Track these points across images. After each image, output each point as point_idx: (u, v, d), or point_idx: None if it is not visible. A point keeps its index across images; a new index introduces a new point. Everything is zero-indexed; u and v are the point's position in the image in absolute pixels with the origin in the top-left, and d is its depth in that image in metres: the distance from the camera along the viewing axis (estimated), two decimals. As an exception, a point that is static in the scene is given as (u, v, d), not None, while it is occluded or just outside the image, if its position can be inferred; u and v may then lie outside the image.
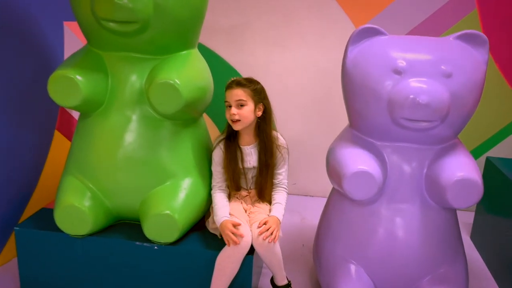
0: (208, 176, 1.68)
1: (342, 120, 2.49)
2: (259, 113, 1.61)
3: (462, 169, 1.42)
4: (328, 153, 1.67)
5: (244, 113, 1.56)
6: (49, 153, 2.05)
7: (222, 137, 1.66)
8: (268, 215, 1.59)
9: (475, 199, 1.40)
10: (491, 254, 2.01)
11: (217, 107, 1.94)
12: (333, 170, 1.56)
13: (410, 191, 1.52)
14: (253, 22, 2.49)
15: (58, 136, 2.12)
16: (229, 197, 1.68)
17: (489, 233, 2.05)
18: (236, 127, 1.57)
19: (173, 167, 1.58)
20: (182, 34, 1.55)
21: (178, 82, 1.42)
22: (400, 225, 1.52)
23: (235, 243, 1.47)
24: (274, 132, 1.65)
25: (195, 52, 1.67)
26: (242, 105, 1.55)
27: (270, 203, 1.69)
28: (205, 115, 2.09)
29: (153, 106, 1.46)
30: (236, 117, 1.55)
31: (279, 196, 1.66)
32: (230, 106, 1.57)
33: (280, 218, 1.59)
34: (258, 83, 1.62)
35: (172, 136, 1.58)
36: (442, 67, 1.41)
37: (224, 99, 1.60)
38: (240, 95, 1.55)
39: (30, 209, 1.95)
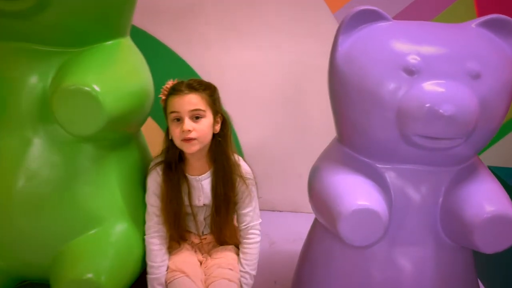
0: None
1: (316, 122, 2.16)
2: (217, 128, 1.19)
3: (492, 201, 1.07)
4: (312, 177, 1.27)
5: (203, 129, 1.14)
6: None
7: (160, 159, 1.21)
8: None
9: (509, 243, 1.06)
10: None
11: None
12: (322, 204, 1.17)
13: (421, 227, 1.16)
14: (206, 4, 2.06)
15: None
16: (171, 248, 1.26)
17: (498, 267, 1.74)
18: (190, 148, 1.14)
19: (98, 209, 1.13)
20: (105, 15, 1.09)
21: (97, 89, 0.97)
22: (407, 274, 1.17)
23: None
24: (234, 156, 1.23)
25: (126, 43, 1.21)
26: (199, 117, 1.13)
27: (237, 245, 1.28)
28: (149, 120, 1.62)
29: (60, 124, 0.99)
30: (193, 135, 1.12)
31: (247, 255, 1.26)
32: (179, 119, 1.13)
33: None
34: (214, 87, 1.20)
35: (94, 164, 1.12)
36: (468, 65, 1.04)
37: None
38: (196, 103, 1.13)
39: None
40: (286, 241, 1.95)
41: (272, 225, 2.16)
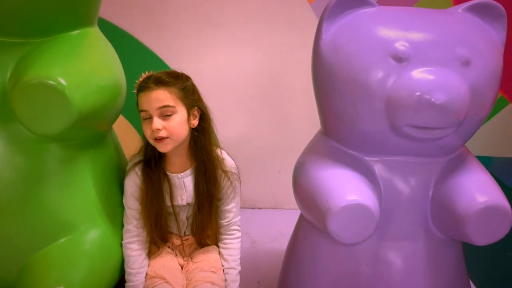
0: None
1: (295, 115, 2.09)
2: (195, 123, 1.11)
3: (484, 192, 1.04)
4: (297, 172, 1.21)
5: (174, 126, 1.05)
6: None
7: (138, 159, 1.13)
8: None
9: (503, 232, 1.03)
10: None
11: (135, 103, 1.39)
12: (309, 200, 1.11)
13: (411, 221, 1.13)
14: (178, -6, 1.96)
15: None
16: (150, 252, 1.17)
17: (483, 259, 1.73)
18: (163, 148, 1.06)
19: (68, 215, 1.03)
20: (71, 4, 0.98)
21: (64, 82, 0.87)
22: (398, 269, 1.13)
23: None
24: (217, 150, 1.16)
25: (94, 32, 1.10)
26: (169, 114, 1.04)
27: (218, 245, 1.21)
28: (120, 117, 1.50)
29: (22, 122, 0.89)
30: (163, 133, 1.03)
31: (230, 251, 1.19)
32: (150, 118, 1.05)
33: None
34: (187, 78, 1.11)
35: (63, 166, 1.02)
36: (458, 51, 1.00)
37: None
38: (164, 99, 1.04)
39: None
40: (267, 239, 1.89)
41: (252, 224, 2.09)
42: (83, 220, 1.04)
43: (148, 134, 1.06)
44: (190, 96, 1.09)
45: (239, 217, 1.23)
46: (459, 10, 1.10)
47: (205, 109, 1.14)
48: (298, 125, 2.08)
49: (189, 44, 2.02)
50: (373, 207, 0.99)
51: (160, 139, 1.04)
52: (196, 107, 1.11)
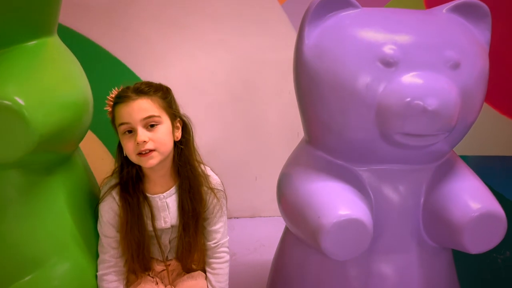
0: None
1: (269, 119, 2.02)
2: (178, 135, 1.03)
3: (477, 199, 1.01)
4: (282, 186, 1.14)
5: (161, 137, 0.97)
6: None
7: (114, 182, 1.02)
8: None
9: (499, 239, 1.00)
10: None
11: (103, 117, 1.27)
12: (297, 216, 1.04)
13: (403, 231, 1.08)
14: (141, -3, 1.84)
15: None
16: (128, 282, 1.07)
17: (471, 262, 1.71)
18: (149, 162, 0.97)
19: (33, 249, 0.91)
20: (24, 8, 0.86)
21: (21, 102, 0.76)
22: (392, 283, 1.08)
23: None
24: (201, 166, 1.07)
25: (54, 42, 0.99)
26: (154, 125, 0.96)
27: (203, 270, 1.12)
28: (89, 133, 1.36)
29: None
30: (150, 146, 0.94)
31: (219, 277, 1.11)
32: (131, 131, 0.96)
33: None
34: (167, 88, 1.04)
35: (24, 194, 0.90)
36: (447, 53, 0.96)
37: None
38: (149, 109, 0.96)
39: None
40: (247, 251, 1.81)
41: (230, 235, 1.92)
42: (50, 253, 0.93)
43: (130, 149, 0.96)
44: (173, 106, 1.02)
45: (227, 238, 1.15)
46: (443, 11, 1.06)
47: (186, 120, 1.06)
48: (272, 130, 2.02)
49: (156, 49, 1.91)
50: (366, 220, 0.94)
51: (146, 153, 0.95)
52: (178, 118, 1.04)
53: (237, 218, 2.18)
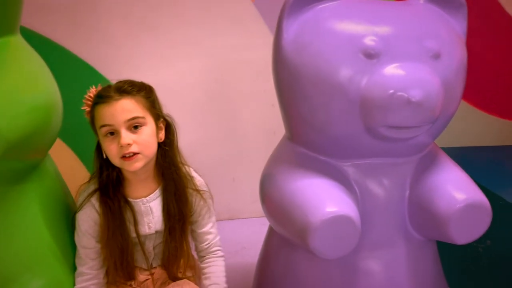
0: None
1: (245, 119, 1.98)
2: (162, 136, 0.99)
3: (462, 190, 1.01)
4: (266, 185, 1.10)
5: (145, 139, 0.93)
6: None
7: (93, 188, 0.97)
8: None
9: (484, 228, 1.00)
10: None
11: (71, 122, 1.23)
12: (283, 216, 1.01)
13: (390, 226, 1.07)
14: (107, -5, 1.77)
15: None
16: None
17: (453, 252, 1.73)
18: (134, 165, 0.92)
19: (2, 267, 0.83)
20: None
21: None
22: (380, 278, 1.06)
23: None
24: (185, 167, 1.03)
25: (17, 41, 0.91)
26: (138, 126, 0.91)
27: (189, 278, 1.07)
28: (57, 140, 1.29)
29: None
30: (134, 148, 0.90)
31: (215, 268, 1.07)
32: (113, 133, 0.91)
33: None
34: (150, 87, 1.00)
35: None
36: (427, 44, 0.95)
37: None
38: (133, 109, 0.91)
39: None
40: (228, 254, 1.74)
41: None
42: (20, 270, 0.86)
43: (113, 151, 0.91)
44: (157, 105, 0.98)
45: (219, 237, 1.12)
46: (421, 1, 1.06)
47: (170, 120, 1.02)
48: (249, 130, 1.98)
49: (125, 50, 1.84)
50: (354, 216, 0.92)
51: (130, 156, 0.90)
52: (162, 119, 1.00)
53: (216, 221, 2.13)
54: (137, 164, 0.92)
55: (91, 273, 0.97)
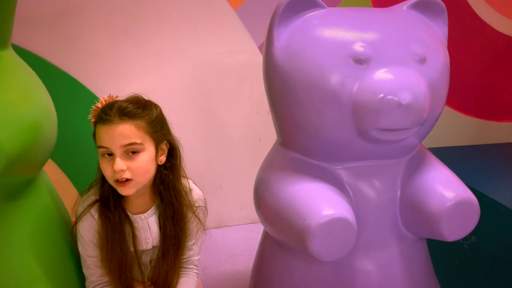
0: (75, 278, 0.95)
1: (231, 126, 1.98)
2: (163, 159, 0.97)
3: (451, 188, 1.04)
4: (261, 191, 1.11)
5: (140, 166, 0.91)
6: None
7: (93, 199, 0.96)
8: None
9: (473, 225, 1.04)
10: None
11: (61, 145, 1.20)
12: (280, 220, 1.02)
13: (383, 227, 1.09)
14: (89, 6, 1.75)
15: None
16: None
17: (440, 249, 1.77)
18: (126, 191, 0.91)
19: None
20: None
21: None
22: (375, 279, 1.09)
23: None
24: (184, 180, 1.03)
25: (9, 55, 0.90)
26: (135, 152, 0.90)
27: None
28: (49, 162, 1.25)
29: None
30: (127, 175, 0.89)
31: (187, 279, 1.05)
32: (111, 154, 0.89)
33: None
34: (155, 106, 0.99)
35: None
36: (413, 48, 0.99)
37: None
38: (131, 136, 0.89)
39: None
40: (219, 262, 1.76)
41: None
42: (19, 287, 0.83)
43: (108, 174, 0.90)
44: (159, 129, 0.96)
45: (199, 257, 1.11)
46: (404, 8, 1.10)
47: (174, 143, 1.01)
48: (235, 137, 1.98)
49: (107, 61, 1.81)
50: (351, 218, 0.94)
51: (122, 182, 0.89)
52: (165, 141, 0.98)
53: (204, 229, 2.12)
54: (129, 190, 0.91)
55: (103, 279, 0.96)
